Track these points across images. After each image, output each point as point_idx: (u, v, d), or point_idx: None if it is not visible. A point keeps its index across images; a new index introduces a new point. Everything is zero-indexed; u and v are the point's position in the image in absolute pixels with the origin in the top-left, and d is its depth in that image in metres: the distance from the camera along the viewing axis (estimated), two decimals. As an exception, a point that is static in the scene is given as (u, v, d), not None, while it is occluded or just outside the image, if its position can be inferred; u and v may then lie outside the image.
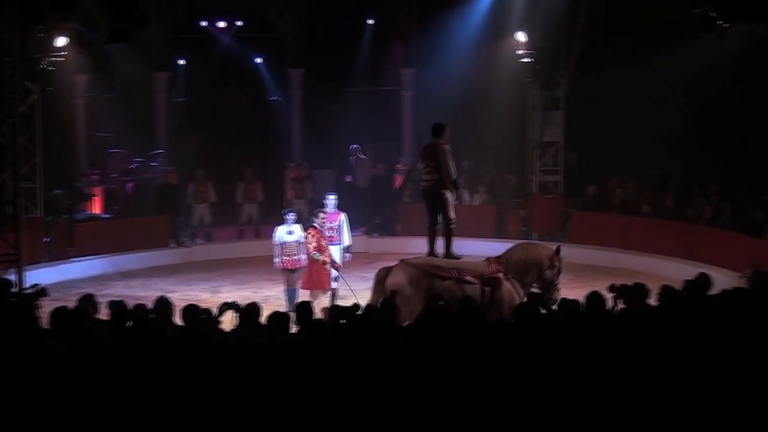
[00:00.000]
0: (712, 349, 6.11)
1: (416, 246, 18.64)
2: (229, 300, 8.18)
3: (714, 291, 8.85)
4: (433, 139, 12.08)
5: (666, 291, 8.54)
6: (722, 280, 11.25)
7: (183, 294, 14.98)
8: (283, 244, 13.59)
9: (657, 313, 7.77)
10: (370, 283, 15.51)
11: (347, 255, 13.73)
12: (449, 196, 11.95)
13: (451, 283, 10.74)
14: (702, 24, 13.61)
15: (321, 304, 12.26)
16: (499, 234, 19.33)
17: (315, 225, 12.95)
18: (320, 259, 12.74)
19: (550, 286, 11.09)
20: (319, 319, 8.25)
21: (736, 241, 15.68)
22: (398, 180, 21.24)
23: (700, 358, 5.80)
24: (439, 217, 12.21)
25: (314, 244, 12.77)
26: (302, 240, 13.46)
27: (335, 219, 13.77)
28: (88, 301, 8.31)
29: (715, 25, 13.45)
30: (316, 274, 12.81)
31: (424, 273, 10.83)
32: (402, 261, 11.28)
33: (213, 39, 22.25)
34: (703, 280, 8.83)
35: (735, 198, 17.14)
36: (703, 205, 17.30)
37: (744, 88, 17.71)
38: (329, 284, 12.87)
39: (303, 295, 13.58)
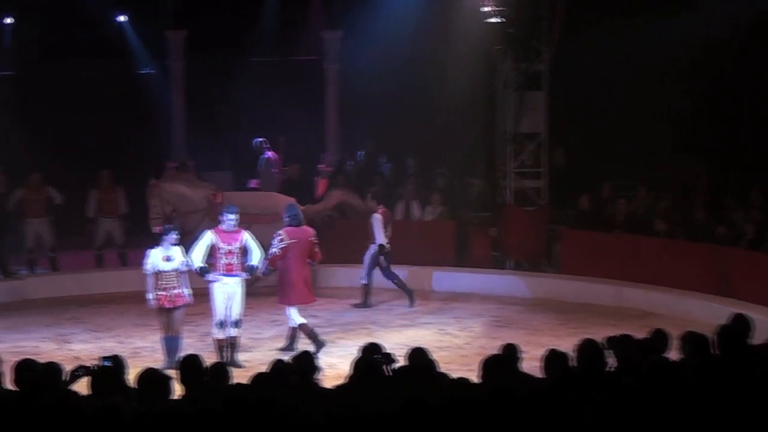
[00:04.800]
0: (755, 422, 6.18)
1: (346, 278, 18.73)
2: (87, 358, 8.06)
3: (756, 338, 8.97)
4: None
5: (690, 339, 8.62)
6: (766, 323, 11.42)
7: (15, 345, 14.66)
8: (158, 274, 13.48)
9: (678, 371, 7.83)
10: (282, 329, 15.75)
11: (256, 267, 14.03)
12: None
13: None
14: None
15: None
16: (461, 260, 19.42)
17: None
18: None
19: None
20: (216, 377, 8.17)
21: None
22: (321, 185, 21.22)
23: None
24: None
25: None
26: (184, 267, 13.44)
27: (235, 239, 13.80)
28: None
29: None
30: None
31: None
32: None
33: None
34: (741, 324, 8.95)
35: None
36: (742, 221, 17.50)
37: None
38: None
39: (192, 346, 13.50)
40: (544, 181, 19.63)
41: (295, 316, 14.43)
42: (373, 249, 17.50)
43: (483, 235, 19.66)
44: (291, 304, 14.40)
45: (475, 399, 6.95)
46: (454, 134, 21.14)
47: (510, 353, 8.87)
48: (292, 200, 17.14)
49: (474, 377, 8.06)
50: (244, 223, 15.81)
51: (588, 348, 8.24)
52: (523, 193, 19.64)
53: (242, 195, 18.67)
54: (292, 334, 14.65)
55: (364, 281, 17.66)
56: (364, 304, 17.60)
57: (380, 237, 17.40)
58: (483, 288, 18.46)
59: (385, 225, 17.52)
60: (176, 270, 13.48)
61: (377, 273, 17.62)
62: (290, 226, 14.38)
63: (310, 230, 14.67)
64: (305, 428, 6.53)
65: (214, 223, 16.30)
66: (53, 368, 8.04)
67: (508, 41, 19.17)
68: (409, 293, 17.58)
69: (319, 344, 14.14)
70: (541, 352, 8.45)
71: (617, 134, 19.90)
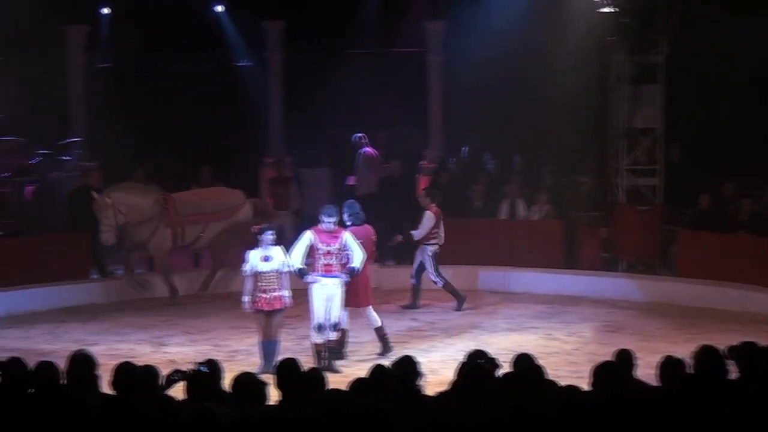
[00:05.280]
0: None
1: (449, 279, 18.65)
2: (183, 361, 8.13)
3: None
4: None
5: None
6: None
7: (111, 348, 14.87)
8: (257, 276, 13.54)
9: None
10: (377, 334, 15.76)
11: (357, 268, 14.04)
12: None
13: None
14: None
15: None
16: (570, 262, 19.24)
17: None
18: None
19: None
20: (312, 384, 8.16)
21: None
22: (422, 183, 21.19)
23: None
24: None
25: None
26: (285, 268, 13.47)
27: (335, 240, 13.82)
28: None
29: None
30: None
31: None
32: None
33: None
34: None
35: None
36: None
37: None
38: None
39: (288, 349, 13.54)
40: (658, 178, 19.42)
41: (375, 316, 14.41)
42: (428, 249, 17.37)
43: (593, 235, 19.44)
44: (369, 304, 14.52)
45: (586, 407, 6.83)
46: (562, 130, 20.91)
47: (624, 359, 8.72)
48: (240, 193, 17.98)
49: (584, 385, 7.93)
50: (201, 224, 16.27)
51: (707, 354, 8.10)
52: (637, 191, 19.44)
53: (192, 194, 18.71)
54: (382, 335, 14.66)
55: (413, 281, 17.65)
56: (413, 305, 17.57)
57: (421, 233, 17.29)
58: (593, 291, 18.28)
59: (437, 224, 17.40)
60: (276, 271, 13.53)
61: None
62: (353, 225, 14.34)
63: (371, 228, 14.69)
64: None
65: (167, 229, 16.68)
66: (150, 372, 8.12)
67: (622, 32, 19.04)
68: (415, 294, 17.65)
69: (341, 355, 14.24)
70: (655, 358, 8.32)
71: (738, 129, 19.54)
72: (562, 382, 8.30)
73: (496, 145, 21.94)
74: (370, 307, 14.58)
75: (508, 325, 16.44)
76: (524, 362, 8.49)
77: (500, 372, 8.36)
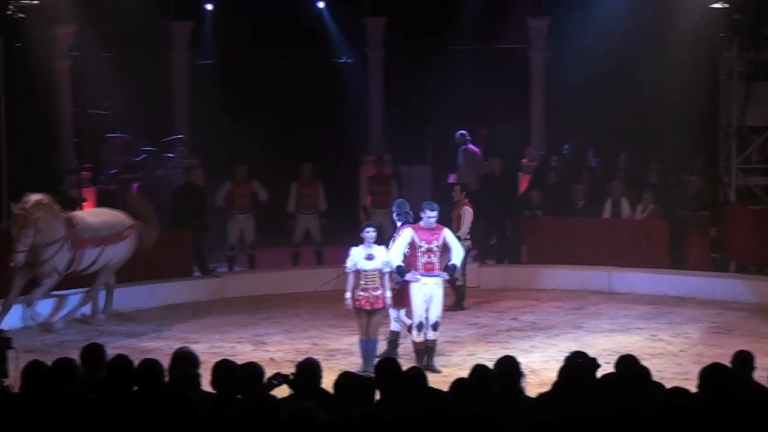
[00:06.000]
0: None
1: (549, 279, 18.59)
2: (282, 360, 8.19)
3: None
4: None
5: None
6: None
7: (212, 346, 15.03)
8: (358, 274, 13.58)
9: None
10: (482, 332, 15.71)
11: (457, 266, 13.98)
12: None
13: None
14: None
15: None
16: (676, 263, 19.00)
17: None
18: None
19: None
20: (413, 383, 8.17)
21: None
22: (524, 181, 21.09)
23: None
24: None
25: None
26: (387, 267, 13.52)
27: (435, 237, 13.80)
28: (93, 355, 8.39)
29: None
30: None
31: None
32: None
33: (255, -25, 22.51)
34: None
35: None
36: None
37: None
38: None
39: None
40: (772, 178, 19.16)
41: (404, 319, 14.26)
42: (464, 245, 17.09)
43: (701, 235, 19.16)
44: (405, 306, 14.17)
45: (694, 409, 6.75)
46: (669, 128, 20.69)
47: (744, 360, 8.59)
48: (126, 216, 16.76)
49: (691, 387, 7.82)
50: (100, 246, 15.88)
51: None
52: (749, 190, 19.19)
53: (90, 215, 17.12)
54: (393, 339, 14.35)
55: (460, 282, 17.24)
56: (458, 305, 17.34)
57: (465, 230, 17.05)
58: (700, 292, 18.01)
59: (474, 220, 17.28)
60: (378, 270, 13.55)
61: None
62: (405, 224, 14.19)
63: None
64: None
65: (68, 253, 15.73)
66: (253, 370, 8.16)
67: (733, 28, 18.81)
68: (460, 294, 17.36)
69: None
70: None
71: None
72: (668, 384, 8.21)
73: (600, 142, 21.77)
74: (404, 310, 14.15)
75: (612, 326, 16.27)
76: (629, 363, 8.41)
77: (603, 373, 8.30)
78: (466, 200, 17.39)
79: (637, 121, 21.17)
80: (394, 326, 14.23)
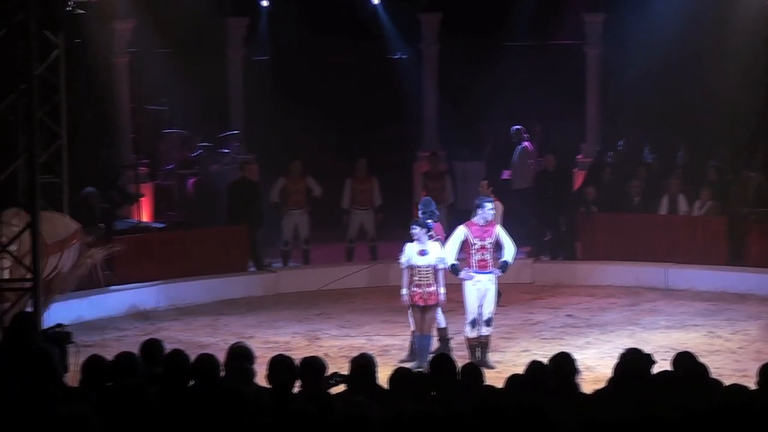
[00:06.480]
0: None
1: (605, 276, 18.50)
2: (336, 355, 8.21)
3: None
4: None
5: None
6: None
7: (267, 341, 15.12)
8: (412, 269, 13.59)
9: None
10: (536, 329, 15.69)
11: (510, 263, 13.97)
12: None
13: None
14: None
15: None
16: (735, 260, 18.82)
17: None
18: None
19: None
20: (469, 379, 8.17)
21: None
22: (578, 178, 21.00)
23: None
24: None
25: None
26: (441, 264, 13.52)
27: (489, 234, 13.77)
28: (152, 350, 8.48)
29: None
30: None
31: None
32: None
33: (310, -29, 22.54)
34: None
35: None
36: None
37: None
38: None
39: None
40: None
41: (442, 317, 14.24)
42: None
43: (762, 232, 18.96)
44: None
45: (755, 407, 6.70)
46: (728, 124, 20.54)
47: None
48: (70, 220, 14.94)
49: (750, 384, 7.76)
50: (56, 255, 14.12)
51: None
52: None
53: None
54: (444, 336, 14.34)
55: None
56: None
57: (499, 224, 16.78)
58: (760, 289, 17.83)
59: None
60: (431, 266, 13.56)
61: None
62: (436, 222, 14.13)
63: (441, 228, 14.63)
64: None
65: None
66: (315, 365, 8.17)
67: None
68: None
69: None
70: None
71: None
72: (727, 382, 8.15)
73: (657, 138, 21.63)
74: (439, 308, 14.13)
75: (668, 323, 16.17)
76: (686, 360, 8.36)
77: (660, 370, 8.25)
78: (494, 195, 17.32)
79: (695, 117, 20.99)
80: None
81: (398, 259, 13.93)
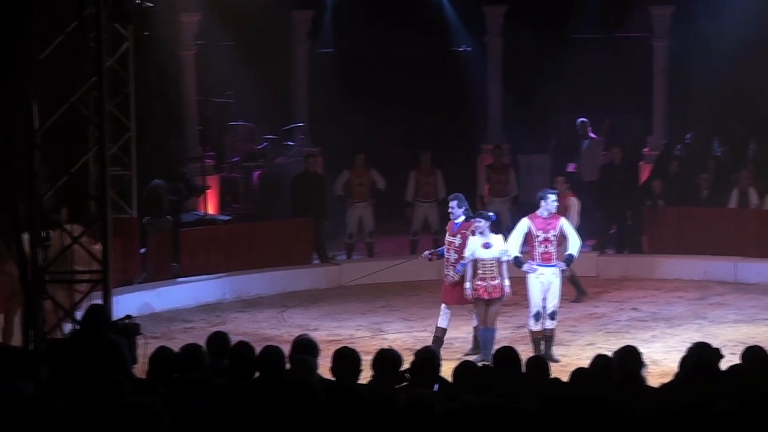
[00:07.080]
0: None
1: (671, 269, 18.33)
2: (400, 348, 8.21)
3: None
4: None
5: None
6: None
7: (331, 333, 15.20)
8: (476, 262, 13.58)
9: None
10: (599, 323, 15.60)
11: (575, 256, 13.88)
12: None
13: None
14: None
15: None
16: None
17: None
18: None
19: None
20: (535, 372, 8.15)
21: None
22: (645, 171, 20.85)
23: None
24: None
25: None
26: (505, 257, 13.51)
27: (552, 226, 13.74)
28: (218, 342, 8.55)
29: None
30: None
31: None
32: None
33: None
34: None
35: None
36: None
37: None
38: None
39: (506, 338, 13.56)
40: None
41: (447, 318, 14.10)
42: None
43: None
44: (450, 302, 14.06)
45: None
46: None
47: None
48: None
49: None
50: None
51: None
52: None
53: None
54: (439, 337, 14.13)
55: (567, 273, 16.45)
56: (582, 295, 17.12)
57: (576, 221, 16.31)
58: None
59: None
60: (495, 259, 13.54)
61: None
62: (468, 218, 13.96)
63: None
64: (632, 430, 6.36)
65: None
66: (389, 357, 8.18)
67: None
68: (577, 284, 17.04)
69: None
70: None
71: None
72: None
73: (727, 132, 21.42)
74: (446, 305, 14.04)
75: (738, 317, 16.01)
76: (756, 354, 8.28)
77: (729, 364, 8.18)
78: (570, 191, 17.24)
79: (766, 110, 20.76)
80: (441, 322, 14.05)
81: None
